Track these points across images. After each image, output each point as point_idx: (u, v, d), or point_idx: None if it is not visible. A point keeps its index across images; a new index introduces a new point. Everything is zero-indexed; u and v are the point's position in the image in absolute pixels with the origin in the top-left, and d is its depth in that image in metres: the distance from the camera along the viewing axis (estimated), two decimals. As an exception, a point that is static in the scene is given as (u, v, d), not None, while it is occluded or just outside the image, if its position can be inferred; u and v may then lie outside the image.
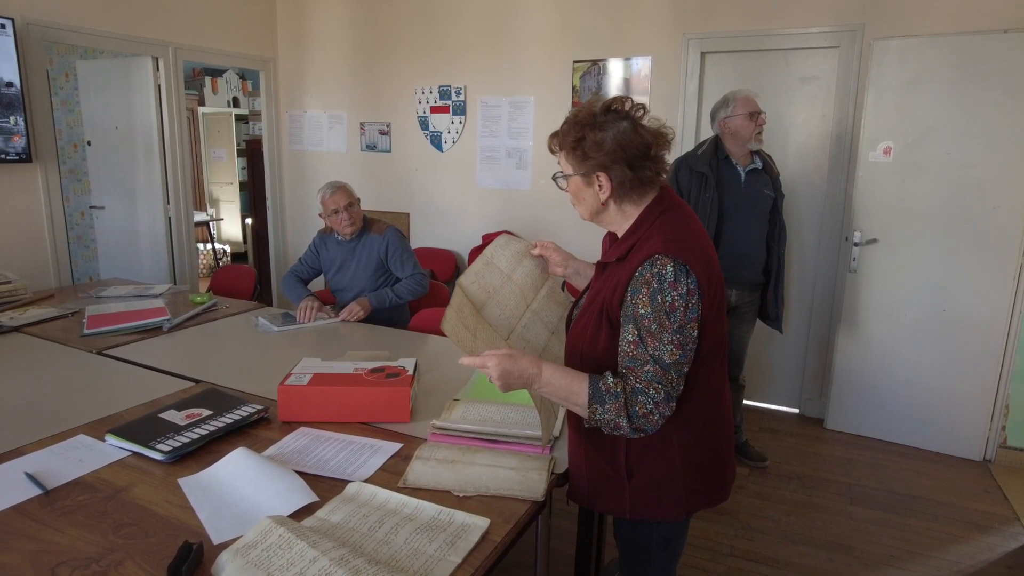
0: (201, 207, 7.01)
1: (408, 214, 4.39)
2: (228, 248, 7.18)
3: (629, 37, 3.56)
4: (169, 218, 4.09)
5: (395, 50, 4.23)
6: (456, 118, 4.08)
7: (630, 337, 1.16)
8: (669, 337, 1.13)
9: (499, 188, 4.05)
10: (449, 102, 4.09)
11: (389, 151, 4.39)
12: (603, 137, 1.20)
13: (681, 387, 1.17)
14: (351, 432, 1.57)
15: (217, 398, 1.74)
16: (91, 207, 4.35)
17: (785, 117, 3.35)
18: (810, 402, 3.53)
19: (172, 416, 1.60)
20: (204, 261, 6.72)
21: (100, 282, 3.39)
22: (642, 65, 3.54)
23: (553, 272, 1.59)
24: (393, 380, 1.65)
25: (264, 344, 2.39)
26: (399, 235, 2.83)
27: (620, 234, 1.31)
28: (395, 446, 1.48)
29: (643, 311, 1.14)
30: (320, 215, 2.81)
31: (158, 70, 3.89)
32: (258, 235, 5.52)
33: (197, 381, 1.95)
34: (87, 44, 3.50)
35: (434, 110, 4.15)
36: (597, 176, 1.23)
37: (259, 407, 1.66)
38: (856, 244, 3.11)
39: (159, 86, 3.90)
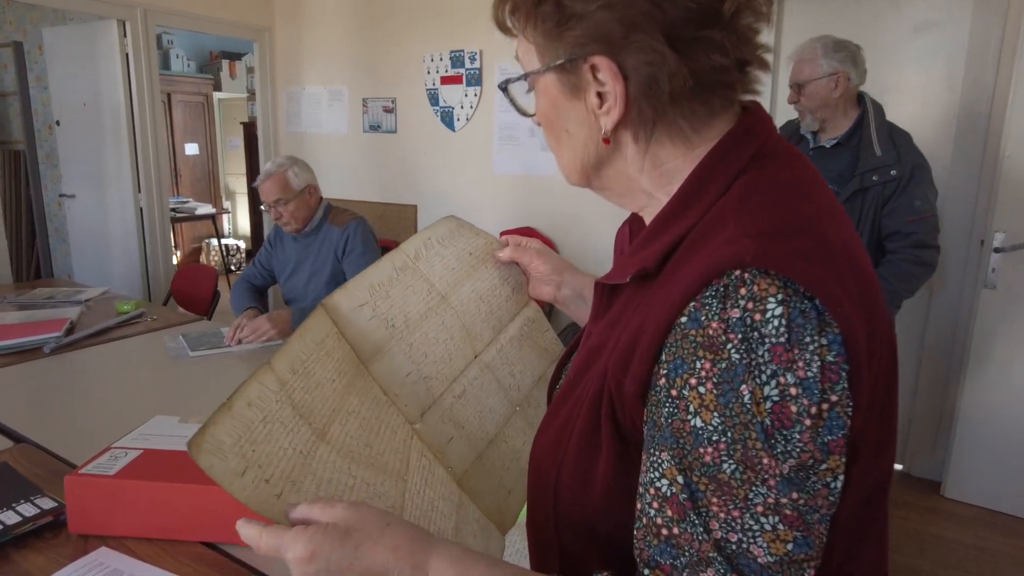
0: (216, 200, 6.53)
1: (416, 207, 3.73)
2: (242, 244, 6.69)
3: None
4: (140, 208, 3.53)
5: (400, 9, 3.56)
6: (470, 89, 3.39)
7: (664, 482, 0.46)
8: (767, 495, 0.42)
9: (519, 174, 3.34)
10: (462, 70, 3.40)
11: (394, 131, 3.73)
12: None
13: None
14: (184, 560, 0.89)
15: (3, 482, 1.09)
16: (61, 195, 3.85)
17: (892, 82, 2.52)
18: (919, 458, 2.68)
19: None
20: (214, 258, 6.24)
21: (54, 281, 2.84)
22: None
23: (535, 293, 0.87)
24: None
25: (170, 374, 1.76)
26: (364, 231, 2.15)
27: (648, 218, 0.59)
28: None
29: (700, 420, 0.45)
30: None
31: (125, 36, 3.33)
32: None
33: (18, 440, 1.32)
34: (39, 1, 2.96)
35: (445, 81, 3.46)
36: (591, 67, 0.51)
37: (53, 505, 1.01)
38: (996, 250, 2.26)
39: (126, 55, 3.35)
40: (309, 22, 3.95)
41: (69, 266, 4.03)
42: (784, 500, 0.42)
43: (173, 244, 6.23)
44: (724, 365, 0.43)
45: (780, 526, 0.42)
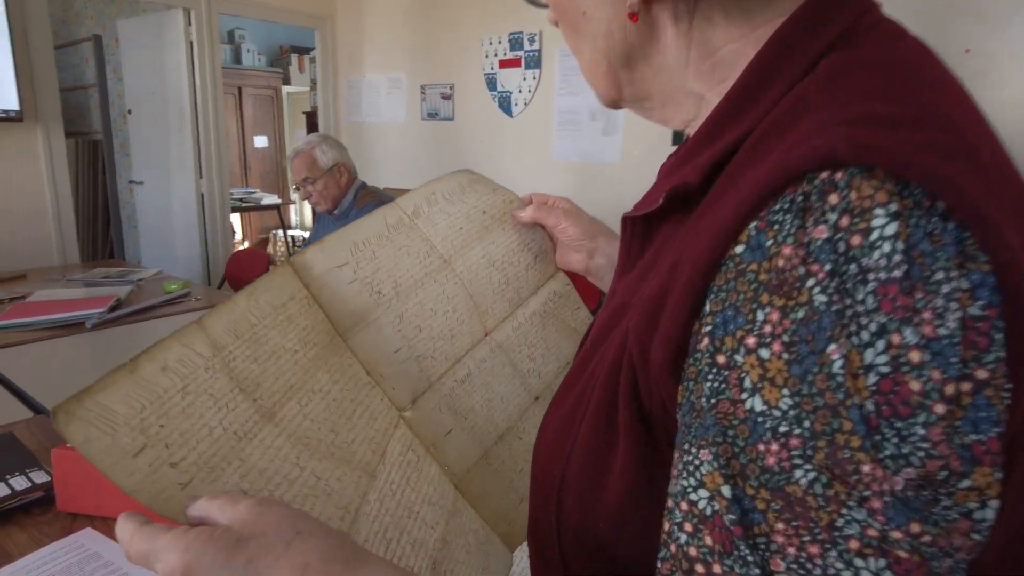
0: (283, 192, 6.66)
1: (472, 195, 3.62)
2: (307, 235, 6.80)
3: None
4: (202, 194, 3.58)
5: (460, -7, 3.47)
6: (529, 73, 3.25)
7: (701, 493, 0.30)
8: (867, 524, 0.26)
9: (580, 161, 3.17)
10: (521, 53, 3.26)
11: (452, 118, 3.64)
12: None
13: None
14: None
15: (6, 453, 1.04)
16: (131, 182, 3.96)
17: (992, 64, 2.20)
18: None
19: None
20: (280, 249, 6.36)
21: (115, 261, 2.90)
22: None
23: (563, 262, 0.72)
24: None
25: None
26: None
27: (692, 130, 0.42)
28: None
29: (760, 400, 0.28)
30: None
31: (190, 24, 3.38)
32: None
33: (39, 411, 1.27)
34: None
35: (503, 64, 3.34)
36: None
37: (46, 480, 0.94)
38: None
39: (191, 43, 3.39)
40: (370, 8, 3.92)
41: (138, 250, 4.15)
42: (896, 534, 0.26)
43: (241, 234, 6.41)
44: (802, 314, 0.27)
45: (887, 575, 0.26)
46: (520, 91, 3.31)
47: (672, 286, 0.33)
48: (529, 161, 3.36)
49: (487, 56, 3.40)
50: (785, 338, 0.27)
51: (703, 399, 0.30)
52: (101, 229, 4.17)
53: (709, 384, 0.30)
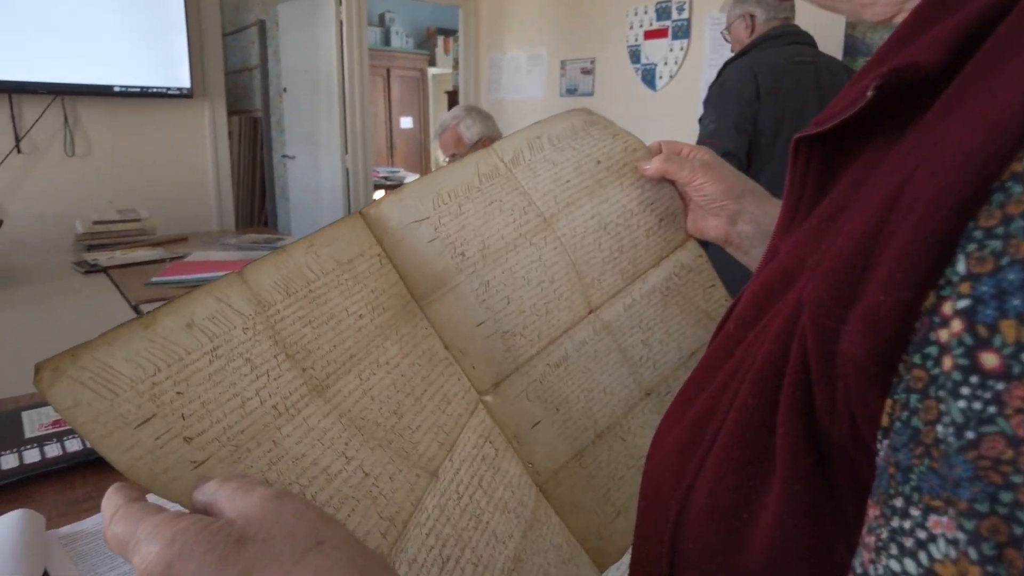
0: (425, 172, 6.88)
1: (607, 175, 3.47)
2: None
3: None
4: (347, 169, 3.74)
5: (606, -39, 3.30)
6: (676, 43, 3.02)
7: (934, 553, 0.16)
8: None
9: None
10: (668, 23, 3.04)
11: (591, 94, 3.49)
12: None
13: None
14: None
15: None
16: (284, 157, 4.22)
17: None
18: None
19: (30, 419, 0.96)
20: (419, 226, 6.58)
21: (265, 230, 3.11)
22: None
23: (696, 228, 0.59)
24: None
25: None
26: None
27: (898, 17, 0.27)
28: None
29: None
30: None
31: (340, 5, 3.51)
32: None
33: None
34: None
35: (648, 35, 3.13)
36: None
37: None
38: None
39: (340, 23, 3.52)
40: (513, -17, 3.86)
41: (289, 221, 4.44)
42: None
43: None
44: None
45: None
46: (666, 63, 3.09)
47: (887, 233, 0.20)
48: (673, 136, 3.14)
49: (631, 27, 3.21)
50: None
51: (947, 429, 0.17)
52: (257, 200, 4.50)
53: (963, 404, 0.17)
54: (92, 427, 0.31)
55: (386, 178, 5.60)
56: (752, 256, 0.55)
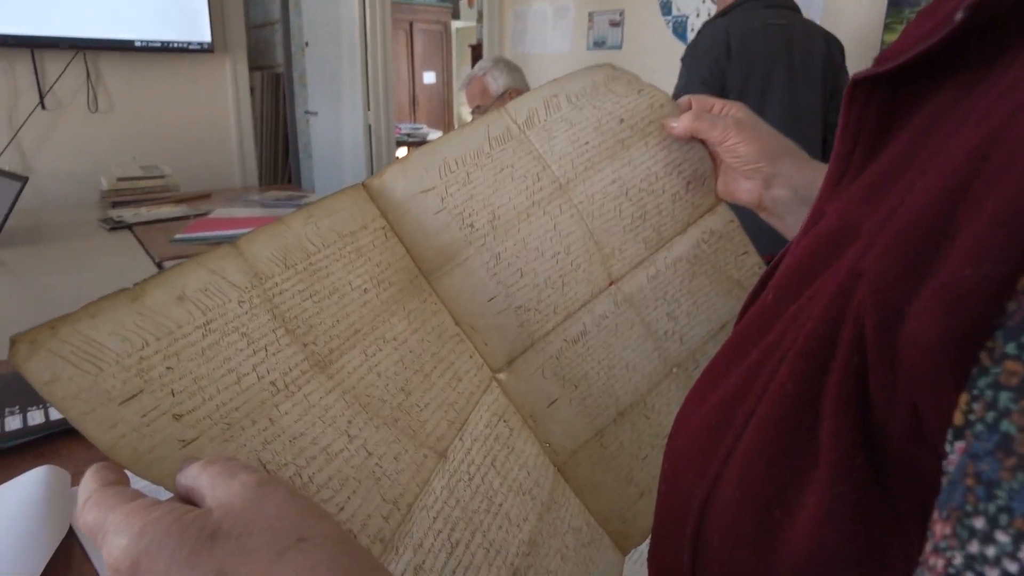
0: (448, 128, 6.78)
1: (634, 132, 3.37)
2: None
3: None
4: (369, 126, 3.69)
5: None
6: (709, -8, 2.89)
7: None
8: None
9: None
10: (701, -30, 2.89)
11: (620, 47, 3.37)
12: None
13: None
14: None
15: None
16: (306, 112, 4.18)
17: None
18: None
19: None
20: (443, 183, 6.52)
21: (288, 187, 3.11)
22: None
23: (726, 191, 0.55)
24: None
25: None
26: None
27: None
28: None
29: None
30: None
31: (362, -48, 3.40)
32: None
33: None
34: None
35: (680, -16, 2.99)
36: None
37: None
38: None
39: (363, -29, 3.42)
40: (540, -71, 3.70)
41: (312, 178, 4.43)
42: None
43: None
44: None
45: None
46: (698, 15, 2.95)
47: (974, 193, 0.17)
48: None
49: (663, -25, 3.06)
50: None
51: None
52: (281, 157, 4.48)
53: None
54: (72, 403, 0.30)
55: (408, 135, 5.53)
56: (787, 223, 0.51)
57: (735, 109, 0.53)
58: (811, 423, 0.22)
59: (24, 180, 1.88)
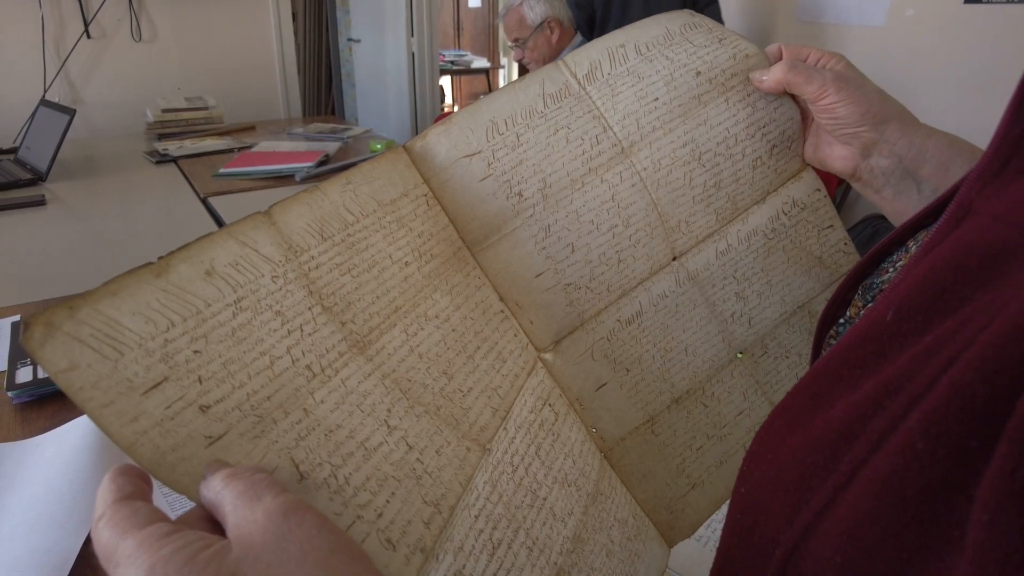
0: (493, 56, 6.54)
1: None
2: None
3: None
4: (412, 53, 3.57)
5: None
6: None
7: None
8: None
9: (831, 23, 2.58)
10: None
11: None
12: None
13: None
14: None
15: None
16: (349, 40, 4.07)
17: None
18: None
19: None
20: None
21: (331, 118, 3.06)
22: None
23: (816, 157, 0.48)
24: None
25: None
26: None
27: None
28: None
29: None
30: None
31: None
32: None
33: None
34: None
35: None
36: None
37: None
38: None
39: None
40: None
41: (355, 108, 4.35)
42: None
43: (451, 97, 6.49)
44: None
45: None
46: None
47: None
48: (762, 23, 2.82)
49: None
50: None
51: None
52: (324, 86, 4.41)
53: None
54: (91, 394, 0.27)
55: (452, 62, 5.35)
56: (884, 195, 0.45)
57: (834, 60, 0.45)
58: (948, 500, 0.18)
59: (72, 112, 1.88)
